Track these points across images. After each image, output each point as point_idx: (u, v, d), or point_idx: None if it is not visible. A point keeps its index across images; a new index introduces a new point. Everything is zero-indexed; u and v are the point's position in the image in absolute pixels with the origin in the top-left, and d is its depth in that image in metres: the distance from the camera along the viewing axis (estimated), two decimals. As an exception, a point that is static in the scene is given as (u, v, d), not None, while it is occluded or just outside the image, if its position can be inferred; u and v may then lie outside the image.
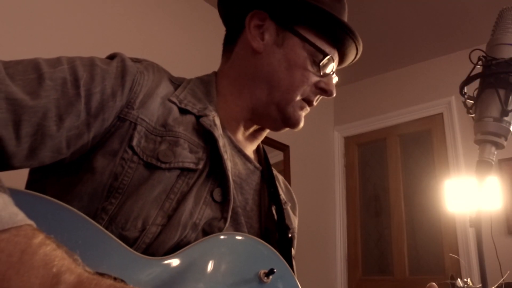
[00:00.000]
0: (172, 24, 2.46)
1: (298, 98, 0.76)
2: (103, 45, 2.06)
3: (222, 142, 0.68)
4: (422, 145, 3.38)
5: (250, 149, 0.82)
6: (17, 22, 1.79)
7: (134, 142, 0.61)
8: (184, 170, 0.63)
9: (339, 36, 0.76)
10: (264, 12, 0.75)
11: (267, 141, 2.97)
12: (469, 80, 0.70)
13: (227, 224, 0.65)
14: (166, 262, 0.57)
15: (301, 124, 0.78)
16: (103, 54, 0.73)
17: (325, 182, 3.59)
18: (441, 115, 3.28)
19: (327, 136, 3.76)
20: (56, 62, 0.58)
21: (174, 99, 0.69)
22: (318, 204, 3.45)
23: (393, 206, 3.37)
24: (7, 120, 0.50)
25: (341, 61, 0.81)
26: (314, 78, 0.76)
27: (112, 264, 0.52)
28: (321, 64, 0.75)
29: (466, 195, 2.58)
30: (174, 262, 0.58)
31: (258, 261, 0.66)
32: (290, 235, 0.76)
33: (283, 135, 3.12)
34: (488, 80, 0.66)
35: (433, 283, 0.74)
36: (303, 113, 0.78)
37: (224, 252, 0.63)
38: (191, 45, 2.46)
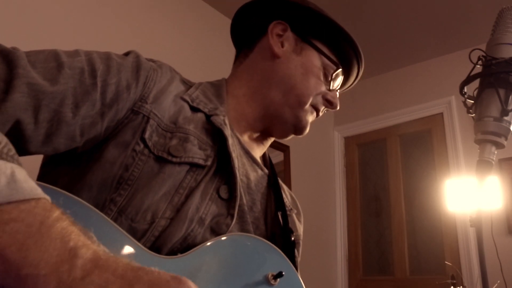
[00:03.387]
0: (172, 24, 2.47)
1: (310, 103, 0.80)
2: (101, 47, 2.06)
3: (231, 141, 0.69)
4: (422, 145, 3.38)
5: (257, 153, 0.84)
6: (15, 22, 1.79)
7: (147, 135, 0.62)
8: (193, 166, 0.64)
9: (347, 55, 0.83)
10: (286, 23, 0.81)
11: None
12: (469, 79, 0.70)
13: (234, 221, 0.66)
14: (177, 261, 0.58)
15: (307, 130, 0.82)
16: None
17: (325, 183, 3.59)
18: (441, 115, 3.28)
19: (327, 136, 3.76)
20: (74, 53, 0.60)
21: (186, 97, 0.71)
22: (319, 204, 3.45)
23: (394, 206, 3.37)
24: (27, 104, 0.52)
25: (343, 81, 0.87)
26: (324, 89, 0.82)
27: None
28: (332, 76, 0.81)
29: (466, 194, 2.58)
30: (185, 262, 0.58)
31: (267, 264, 0.67)
32: (293, 238, 0.78)
33: None
34: (488, 80, 0.66)
35: None
36: (310, 120, 0.83)
37: (234, 253, 0.64)
38: (191, 46, 2.46)
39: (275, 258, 0.69)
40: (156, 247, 0.59)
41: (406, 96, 3.47)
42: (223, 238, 0.64)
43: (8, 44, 0.56)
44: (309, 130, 0.84)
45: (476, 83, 0.71)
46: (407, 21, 2.98)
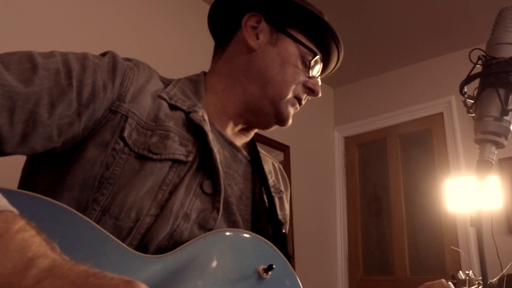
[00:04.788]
0: (170, 23, 2.47)
1: (290, 95, 0.80)
2: (100, 47, 2.07)
3: (211, 136, 0.70)
4: (422, 145, 3.38)
5: (240, 142, 0.84)
6: (14, 23, 1.79)
7: (126, 134, 0.62)
8: (175, 162, 0.65)
9: (325, 41, 0.83)
10: (260, 15, 0.80)
11: (267, 141, 2.97)
12: (469, 79, 0.70)
13: (220, 214, 0.67)
14: (165, 259, 0.57)
15: (290, 122, 0.82)
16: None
17: (325, 183, 3.59)
18: (441, 114, 3.28)
19: (327, 136, 3.76)
20: (49, 55, 0.61)
21: (164, 95, 0.71)
22: (319, 204, 3.45)
23: (394, 206, 3.37)
24: (2, 106, 0.52)
25: (324, 67, 0.87)
26: (303, 78, 0.81)
27: (110, 264, 0.52)
28: (310, 64, 0.81)
29: (466, 194, 2.58)
30: (173, 259, 0.58)
31: (257, 258, 0.67)
32: (284, 231, 0.79)
33: (283, 136, 3.12)
34: (488, 80, 0.66)
35: (443, 280, 0.78)
36: (293, 111, 0.82)
37: (223, 249, 0.64)
38: (189, 45, 2.46)
39: (266, 251, 0.69)
40: (143, 244, 0.59)
41: (406, 96, 3.47)
42: (210, 234, 0.64)
43: (9, 46, 0.56)
44: (309, 130, 0.84)
45: (476, 83, 0.71)
46: (407, 21, 2.98)
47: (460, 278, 1.02)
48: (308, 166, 3.40)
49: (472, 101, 0.68)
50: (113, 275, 0.41)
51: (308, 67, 0.81)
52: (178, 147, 0.66)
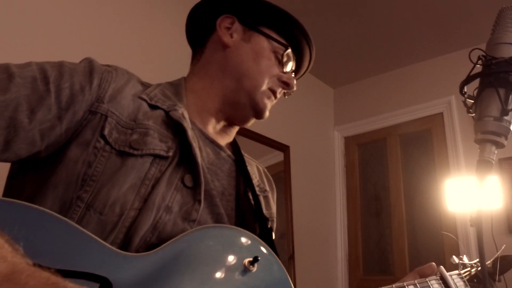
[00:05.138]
0: (170, 23, 2.47)
1: (265, 87, 0.83)
2: (101, 47, 2.06)
3: (191, 133, 0.72)
4: (422, 145, 3.38)
5: (222, 142, 0.86)
6: (14, 25, 1.79)
7: (106, 132, 0.64)
8: (157, 157, 0.67)
9: (296, 38, 0.87)
10: (233, 16, 0.86)
11: (267, 141, 2.96)
12: (469, 79, 0.70)
13: (202, 205, 0.69)
14: (150, 257, 0.58)
15: (267, 114, 0.85)
16: (101, 57, 0.74)
17: (325, 182, 3.59)
18: (441, 114, 3.27)
19: (327, 136, 3.76)
20: (25, 64, 0.63)
21: (144, 96, 0.73)
22: (319, 204, 3.45)
23: (394, 206, 3.37)
24: None
25: (299, 65, 0.91)
26: (277, 71, 0.85)
27: (93, 263, 0.52)
28: (283, 58, 0.85)
29: (466, 194, 2.57)
30: (158, 256, 0.58)
31: (243, 251, 0.67)
32: (269, 226, 0.80)
33: (283, 136, 3.12)
34: (488, 80, 0.66)
35: (433, 263, 0.80)
36: (269, 103, 0.85)
37: (209, 244, 0.65)
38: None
39: (251, 244, 0.70)
40: (128, 237, 0.60)
41: (406, 96, 3.47)
42: (196, 231, 0.65)
43: (10, 48, 0.57)
44: (310, 130, 0.85)
45: (476, 83, 0.71)
46: (407, 21, 2.98)
47: (454, 263, 1.03)
48: (308, 166, 3.39)
49: (472, 101, 0.68)
50: (75, 286, 0.40)
51: (281, 62, 0.84)
52: (158, 143, 0.68)
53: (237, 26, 0.85)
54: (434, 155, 3.25)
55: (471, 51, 0.70)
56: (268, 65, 0.83)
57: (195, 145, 0.71)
